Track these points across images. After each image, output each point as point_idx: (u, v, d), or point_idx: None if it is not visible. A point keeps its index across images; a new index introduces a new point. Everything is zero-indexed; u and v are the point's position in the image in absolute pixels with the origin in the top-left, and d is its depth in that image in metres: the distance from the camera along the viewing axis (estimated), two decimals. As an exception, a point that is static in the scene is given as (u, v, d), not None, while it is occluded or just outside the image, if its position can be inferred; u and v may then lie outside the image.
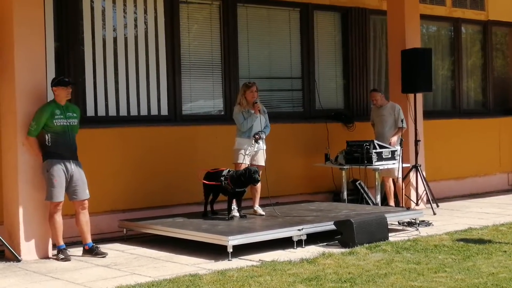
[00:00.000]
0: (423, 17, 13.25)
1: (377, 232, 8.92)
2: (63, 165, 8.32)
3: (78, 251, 8.62)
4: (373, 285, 6.64)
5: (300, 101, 12.47)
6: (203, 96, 11.35)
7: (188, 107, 11.11)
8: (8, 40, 8.47)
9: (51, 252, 8.53)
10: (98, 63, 10.16)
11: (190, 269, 7.59)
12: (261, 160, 9.89)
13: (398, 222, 10.16)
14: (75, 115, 8.53)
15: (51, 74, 9.28)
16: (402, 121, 11.49)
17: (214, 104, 11.50)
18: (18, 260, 8.24)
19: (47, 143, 8.34)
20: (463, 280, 6.76)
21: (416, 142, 11.85)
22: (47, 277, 7.45)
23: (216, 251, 8.27)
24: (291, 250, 8.54)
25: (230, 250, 8.09)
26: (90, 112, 10.07)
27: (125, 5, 10.42)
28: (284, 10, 12.34)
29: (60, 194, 8.32)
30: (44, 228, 8.46)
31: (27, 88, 8.41)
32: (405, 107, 11.82)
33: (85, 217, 8.54)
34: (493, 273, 7.04)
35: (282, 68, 12.32)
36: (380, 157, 11.02)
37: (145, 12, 10.65)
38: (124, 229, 9.57)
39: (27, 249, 8.37)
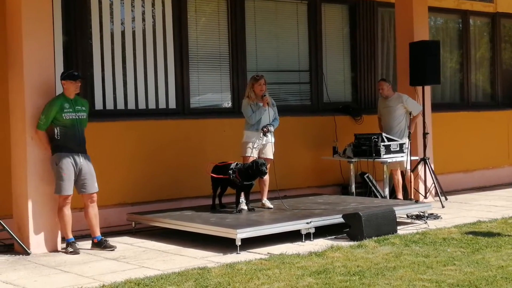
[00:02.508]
0: (431, 9, 13.19)
1: (386, 225, 8.92)
2: (72, 158, 8.35)
3: (87, 244, 8.64)
4: (381, 278, 6.64)
5: (308, 94, 12.46)
6: (211, 89, 11.36)
7: (196, 100, 11.11)
8: (16, 35, 8.49)
9: (60, 245, 8.56)
10: (106, 56, 10.18)
11: (198, 262, 7.60)
12: (269, 153, 9.89)
13: (407, 215, 10.14)
14: (84, 108, 8.54)
15: (60, 68, 9.30)
16: (410, 113, 11.44)
17: (222, 97, 11.50)
18: (27, 253, 8.27)
19: (56, 137, 8.36)
20: (472, 273, 6.76)
21: (425, 134, 11.83)
22: (56, 270, 7.47)
23: (225, 244, 8.28)
24: (300, 243, 8.55)
25: (238, 243, 8.10)
26: (98, 105, 10.09)
27: (132, -2, 10.46)
28: (292, 3, 12.32)
29: (69, 188, 8.34)
30: (53, 222, 8.49)
31: (35, 82, 8.43)
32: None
33: (94, 210, 8.57)
34: (502, 266, 7.03)
35: (289, 61, 12.30)
36: (388, 150, 11.01)
37: (153, 5, 10.65)
38: (133, 222, 9.60)
39: (36, 242, 8.40)
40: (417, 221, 9.95)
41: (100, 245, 8.51)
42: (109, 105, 10.21)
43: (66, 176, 8.30)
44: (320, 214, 9.18)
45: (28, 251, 8.30)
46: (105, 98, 10.18)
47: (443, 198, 11.79)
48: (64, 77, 8.50)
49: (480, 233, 8.88)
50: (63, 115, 8.31)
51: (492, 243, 8.17)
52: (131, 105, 10.41)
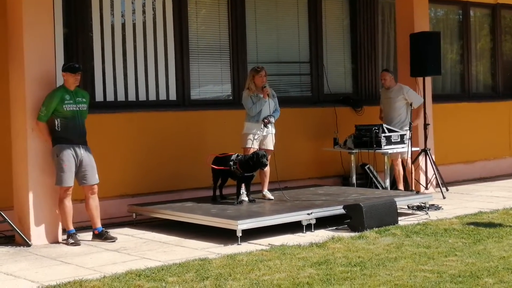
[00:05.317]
0: (432, 0, 13.16)
1: (387, 216, 8.91)
2: (72, 150, 8.34)
3: (87, 235, 8.65)
4: (383, 269, 6.64)
5: (309, 85, 12.45)
6: (211, 81, 11.34)
7: (197, 92, 11.10)
8: (17, 27, 8.47)
9: (60, 236, 8.56)
10: (107, 49, 10.16)
11: (199, 253, 7.60)
12: (270, 145, 9.88)
13: (408, 206, 10.15)
14: (84, 100, 8.54)
15: (60, 60, 9.31)
16: (411, 104, 11.41)
17: (222, 89, 11.48)
18: (28, 245, 8.28)
19: (57, 128, 8.35)
20: (473, 264, 6.76)
21: (426, 125, 11.83)
22: (57, 261, 7.47)
23: (225, 236, 8.28)
24: (300, 234, 8.55)
25: (239, 234, 8.10)
26: (99, 97, 10.08)
27: (133, -10, 10.43)
28: (292, -6, 12.31)
29: (69, 179, 8.34)
30: (54, 213, 8.50)
31: (36, 74, 8.42)
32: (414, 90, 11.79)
33: (94, 202, 8.56)
34: (504, 256, 7.03)
35: (290, 52, 12.27)
36: (389, 141, 11.00)
37: (153, -3, 10.64)
38: (134, 214, 9.60)
39: (37, 234, 8.40)
40: (418, 212, 9.95)
41: (101, 236, 8.51)
42: (110, 97, 10.20)
43: (67, 168, 8.30)
44: (321, 205, 9.18)
45: (29, 242, 8.30)
46: (106, 90, 10.17)
47: (444, 189, 11.79)
48: (64, 69, 8.51)
49: (481, 223, 8.88)
50: (63, 106, 8.31)
51: (493, 234, 8.17)
52: (132, 97, 10.40)
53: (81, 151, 8.41)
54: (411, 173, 11.35)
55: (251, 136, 9.74)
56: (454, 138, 13.81)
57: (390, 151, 10.98)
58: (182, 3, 10.81)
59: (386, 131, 11.05)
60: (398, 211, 9.28)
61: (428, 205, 10.07)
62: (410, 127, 11.07)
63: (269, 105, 9.79)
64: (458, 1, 14.45)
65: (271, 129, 9.88)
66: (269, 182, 10.01)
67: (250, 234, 8.26)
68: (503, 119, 14.95)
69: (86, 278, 6.57)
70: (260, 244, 7.99)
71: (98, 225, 8.58)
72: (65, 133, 8.35)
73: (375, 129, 10.99)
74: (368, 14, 13.06)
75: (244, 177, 9.37)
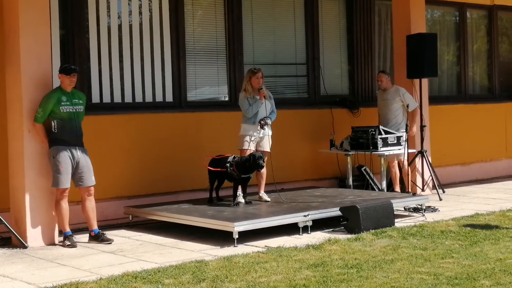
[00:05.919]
0: (428, 2, 13.14)
1: (383, 218, 8.91)
2: (69, 151, 8.33)
3: (84, 237, 8.64)
4: (379, 271, 6.64)
5: (305, 87, 12.44)
6: (208, 82, 11.34)
7: (193, 94, 11.09)
8: (13, 28, 8.46)
9: (57, 238, 8.55)
10: (103, 50, 10.15)
11: (196, 255, 7.60)
12: (266, 146, 9.88)
13: (404, 208, 10.15)
14: (81, 101, 8.53)
15: (57, 62, 9.30)
16: (407, 105, 11.41)
17: (219, 90, 11.48)
18: (25, 247, 8.26)
19: (53, 130, 8.35)
20: (470, 265, 6.76)
21: (422, 127, 11.84)
22: (54, 263, 7.46)
23: (222, 238, 8.28)
24: (297, 236, 8.55)
25: (235, 236, 8.09)
26: (95, 99, 10.07)
27: (129, -9, 10.42)
28: (289, -5, 12.31)
29: (66, 181, 8.33)
30: (50, 215, 8.48)
31: (32, 76, 8.41)
32: (410, 93, 11.76)
33: (91, 203, 8.56)
34: (500, 258, 7.03)
35: (286, 54, 12.28)
36: (385, 143, 11.01)
37: (150, -2, 10.64)
38: (130, 216, 9.59)
39: (34, 235, 8.39)
40: (414, 214, 9.96)
41: (97, 238, 8.51)
42: (106, 99, 10.19)
43: (63, 169, 8.29)
44: (317, 207, 9.18)
45: (26, 244, 8.29)
46: (102, 92, 10.16)
47: (440, 191, 11.79)
48: (59, 70, 8.51)
49: (478, 225, 8.88)
50: (60, 108, 8.30)
51: (490, 236, 8.17)
52: (128, 99, 10.39)
53: (77, 152, 8.41)
54: (408, 175, 11.35)
55: (247, 138, 9.74)
56: (450, 140, 13.82)
57: (386, 153, 10.99)
58: (179, 4, 10.81)
59: (382, 132, 11.06)
60: (395, 213, 9.28)
61: (424, 207, 10.08)
62: (406, 129, 11.06)
63: (266, 107, 9.79)
64: (455, 3, 14.46)
65: (268, 131, 9.88)
66: (266, 184, 10.00)
67: (247, 236, 8.26)
68: (499, 120, 14.96)
69: (83, 280, 6.56)
70: (256, 246, 7.99)
71: (95, 227, 8.57)
72: (61, 135, 8.34)
73: (371, 130, 10.99)
74: (365, 15, 13.06)
75: (241, 179, 9.37)
